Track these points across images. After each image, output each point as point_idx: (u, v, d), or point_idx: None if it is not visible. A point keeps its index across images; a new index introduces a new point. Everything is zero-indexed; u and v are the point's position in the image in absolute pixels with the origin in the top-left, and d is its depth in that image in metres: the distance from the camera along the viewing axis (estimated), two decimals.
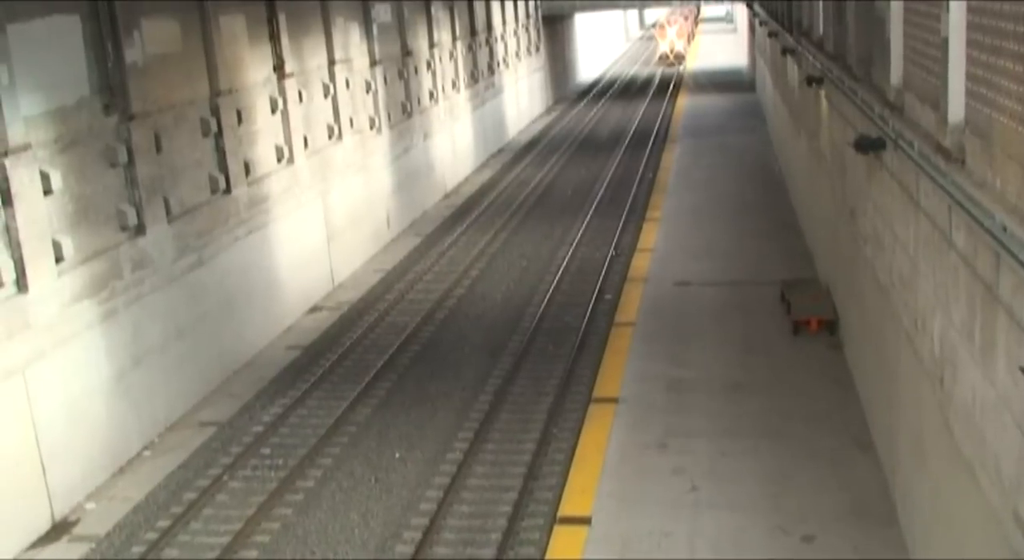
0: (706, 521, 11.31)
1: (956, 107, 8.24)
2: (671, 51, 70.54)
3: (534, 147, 40.50)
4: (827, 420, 13.61)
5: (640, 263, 21.47)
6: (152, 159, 15.59)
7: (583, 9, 59.76)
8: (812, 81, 18.40)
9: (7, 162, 12.43)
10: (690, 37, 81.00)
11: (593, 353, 17.51)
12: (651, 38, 76.41)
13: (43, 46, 13.48)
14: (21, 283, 12.72)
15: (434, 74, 31.84)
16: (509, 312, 20.38)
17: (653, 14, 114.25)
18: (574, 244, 24.97)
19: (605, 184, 32.25)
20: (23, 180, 12.67)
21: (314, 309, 21.18)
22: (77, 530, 12.94)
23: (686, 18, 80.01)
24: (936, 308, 9.01)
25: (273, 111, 19.93)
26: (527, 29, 48.75)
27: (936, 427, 9.00)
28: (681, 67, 66.55)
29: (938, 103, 8.77)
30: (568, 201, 30.45)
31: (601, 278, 21.98)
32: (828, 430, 13.31)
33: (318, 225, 21.91)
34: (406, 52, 28.90)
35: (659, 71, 68.37)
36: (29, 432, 12.69)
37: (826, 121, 17.78)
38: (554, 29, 56.40)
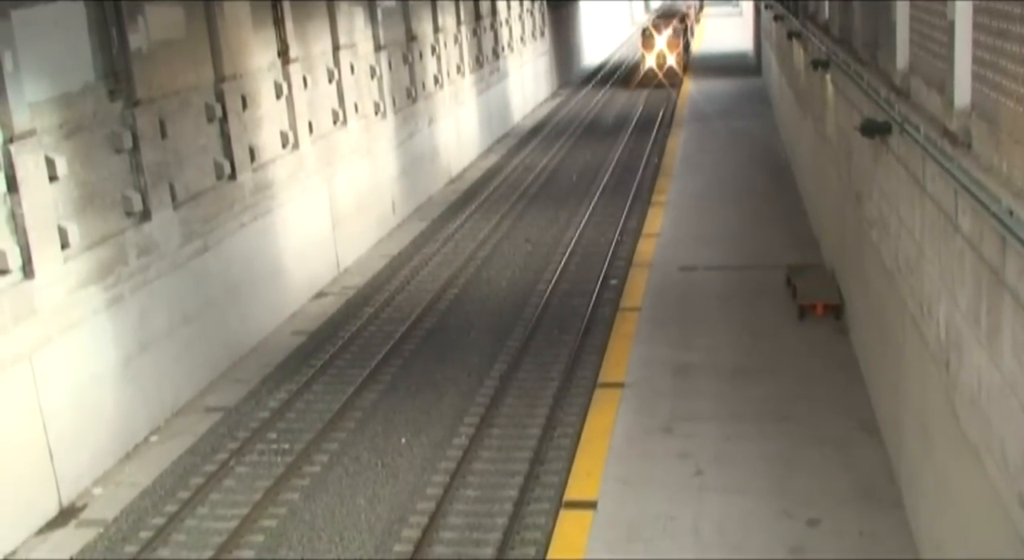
0: (711, 505, 11.33)
1: (962, 91, 8.21)
2: (660, 68, 51.19)
3: (539, 132, 40.43)
4: (833, 404, 13.61)
5: (645, 248, 21.45)
6: (157, 145, 15.59)
7: None
8: (818, 65, 18.35)
9: (12, 148, 12.45)
10: (687, 46, 57.73)
11: (598, 338, 17.53)
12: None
13: (47, 32, 13.47)
14: (27, 269, 12.75)
15: (439, 59, 31.77)
16: (515, 297, 20.39)
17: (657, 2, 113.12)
18: (579, 229, 24.96)
19: (610, 169, 32.20)
20: (28, 166, 12.68)
21: (320, 295, 21.21)
22: (85, 515, 13.00)
23: (683, 20, 57.34)
24: (942, 292, 9.01)
25: (278, 96, 19.92)
26: (532, 13, 48.60)
27: (942, 411, 9.01)
28: (674, 92, 47.24)
29: (944, 87, 8.74)
30: (573, 186, 30.42)
31: (606, 263, 21.98)
32: (834, 414, 13.32)
33: (323, 211, 21.92)
34: (411, 37, 28.84)
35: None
36: (36, 418, 12.73)
37: (832, 105, 17.73)
38: (559, 13, 56.21)
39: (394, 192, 26.70)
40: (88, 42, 14.38)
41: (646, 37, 51.98)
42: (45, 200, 13.01)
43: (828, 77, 18.00)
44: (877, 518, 10.90)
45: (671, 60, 51.20)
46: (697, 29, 77.05)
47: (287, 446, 14.48)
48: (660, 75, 50.70)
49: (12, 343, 12.34)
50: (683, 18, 58.34)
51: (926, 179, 9.53)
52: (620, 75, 58.87)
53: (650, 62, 51.54)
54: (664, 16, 57.58)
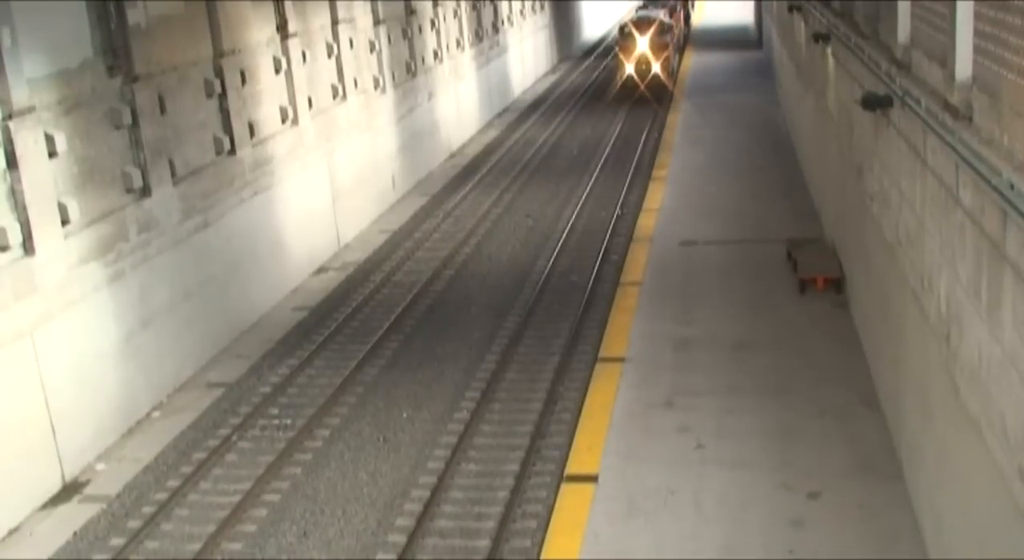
0: (712, 478, 11.38)
1: (964, 64, 8.19)
2: (642, 78, 38.63)
3: (539, 106, 40.30)
4: (833, 378, 13.64)
5: (646, 222, 21.44)
6: (156, 121, 15.55)
7: None
8: (819, 38, 18.28)
9: (12, 125, 12.42)
10: (680, 45, 46.69)
11: (599, 312, 17.55)
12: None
13: (45, 8, 13.40)
14: (28, 246, 12.74)
15: (438, 33, 31.63)
16: (515, 272, 20.40)
17: None
18: (580, 203, 24.93)
19: (611, 143, 32.11)
20: (28, 143, 12.65)
21: (320, 270, 21.21)
22: (88, 491, 13.05)
23: (674, 12, 44.76)
24: (942, 266, 9.01)
25: (277, 71, 19.84)
26: None
27: (942, 385, 9.03)
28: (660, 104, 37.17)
29: (946, 60, 8.71)
30: (574, 160, 30.35)
31: (607, 238, 21.97)
32: (834, 388, 13.35)
33: (323, 186, 21.89)
34: (410, 11, 28.70)
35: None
36: (38, 394, 12.77)
37: (833, 79, 17.67)
38: None
39: (394, 167, 26.65)
40: (86, 18, 14.31)
41: (624, 35, 39.71)
42: (45, 176, 12.99)
43: (829, 50, 17.93)
44: (877, 491, 10.94)
45: (656, 67, 38.59)
46: (698, 5, 70.86)
47: (289, 421, 14.52)
48: (642, 87, 38.39)
49: (13, 319, 12.36)
50: (674, 9, 45.82)
51: (927, 152, 9.51)
52: None
53: (629, 69, 38.92)
54: (649, 7, 45.73)
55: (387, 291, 19.65)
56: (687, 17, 56.27)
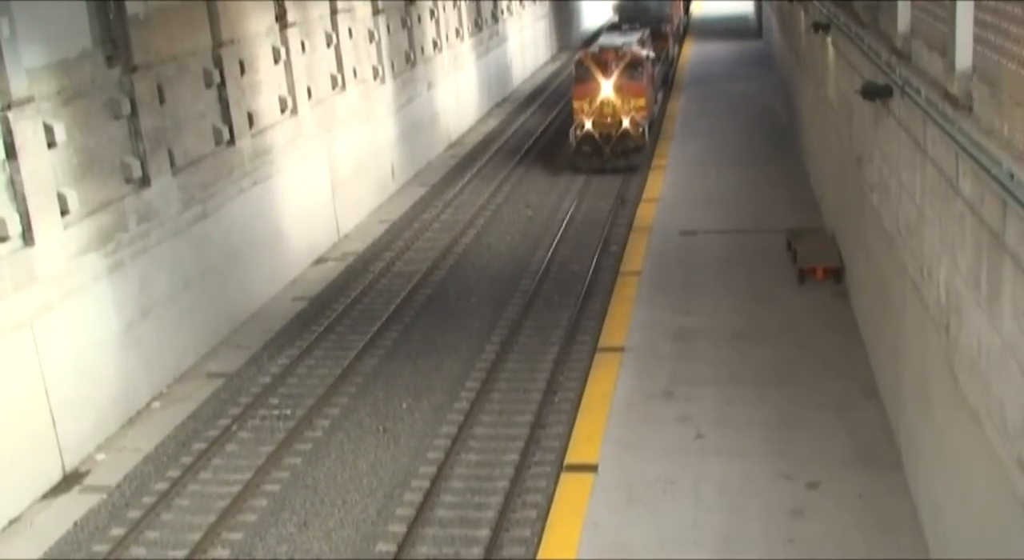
0: (711, 468, 11.39)
1: (964, 54, 8.18)
2: (606, 136, 26.52)
3: (539, 96, 40.23)
4: (832, 368, 13.65)
5: (646, 212, 21.42)
6: (155, 111, 15.53)
7: None
8: (819, 28, 18.24)
9: (11, 115, 12.40)
10: (659, 83, 32.61)
11: (599, 302, 17.55)
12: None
13: None
14: (27, 236, 12.74)
15: (437, 23, 31.57)
16: (515, 262, 20.39)
17: None
18: (580, 193, 24.90)
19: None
20: (27, 133, 12.64)
21: (320, 260, 21.21)
22: (88, 481, 13.07)
23: (660, 31, 35.54)
24: (942, 256, 9.01)
25: (276, 61, 19.81)
26: None
27: (941, 374, 9.03)
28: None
29: (945, 49, 8.70)
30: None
31: (607, 228, 21.96)
32: (833, 378, 13.36)
33: (323, 176, 21.87)
34: (409, 0, 28.64)
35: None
36: (38, 384, 12.77)
37: (833, 68, 17.65)
38: None
39: (393, 157, 26.62)
40: (85, 8, 14.29)
41: (580, 74, 27.21)
42: (44, 167, 12.98)
43: (829, 40, 17.90)
44: (876, 481, 10.95)
45: (626, 121, 26.42)
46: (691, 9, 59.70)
47: (289, 411, 14.54)
48: (606, 151, 26.60)
49: (13, 310, 12.36)
50: (659, 27, 35.62)
51: (927, 142, 9.50)
52: None
53: (587, 124, 26.62)
54: (619, 31, 33.54)
55: (387, 281, 19.66)
56: (682, 28, 46.94)
